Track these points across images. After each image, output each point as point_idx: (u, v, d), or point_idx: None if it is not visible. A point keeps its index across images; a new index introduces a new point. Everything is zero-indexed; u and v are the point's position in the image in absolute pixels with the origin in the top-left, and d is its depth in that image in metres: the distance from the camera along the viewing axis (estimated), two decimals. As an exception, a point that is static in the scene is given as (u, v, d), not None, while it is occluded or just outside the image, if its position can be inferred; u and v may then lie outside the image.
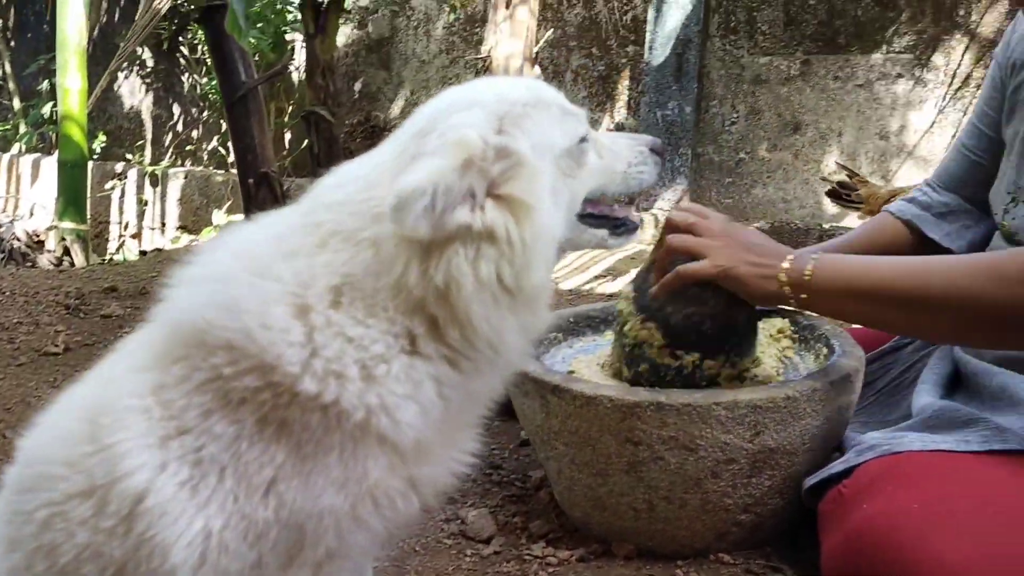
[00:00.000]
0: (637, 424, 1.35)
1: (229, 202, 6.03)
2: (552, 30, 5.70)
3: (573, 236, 1.07)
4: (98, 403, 0.94)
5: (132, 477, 0.88)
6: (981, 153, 1.60)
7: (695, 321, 1.42)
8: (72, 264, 5.11)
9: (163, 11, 5.58)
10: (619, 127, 5.71)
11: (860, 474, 1.18)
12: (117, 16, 7.63)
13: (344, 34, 6.53)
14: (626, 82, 5.69)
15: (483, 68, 2.81)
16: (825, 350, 1.56)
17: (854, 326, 1.71)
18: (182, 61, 7.27)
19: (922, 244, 1.64)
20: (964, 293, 1.14)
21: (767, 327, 1.66)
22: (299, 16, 3.08)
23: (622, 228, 1.15)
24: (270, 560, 0.91)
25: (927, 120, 4.78)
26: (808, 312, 1.57)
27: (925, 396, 1.43)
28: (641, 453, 1.37)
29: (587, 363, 1.62)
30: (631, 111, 5.67)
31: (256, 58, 5.87)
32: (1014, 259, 1.14)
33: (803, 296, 1.30)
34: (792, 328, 1.66)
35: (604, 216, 1.13)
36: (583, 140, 1.04)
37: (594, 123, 5.62)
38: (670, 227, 1.44)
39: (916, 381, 1.53)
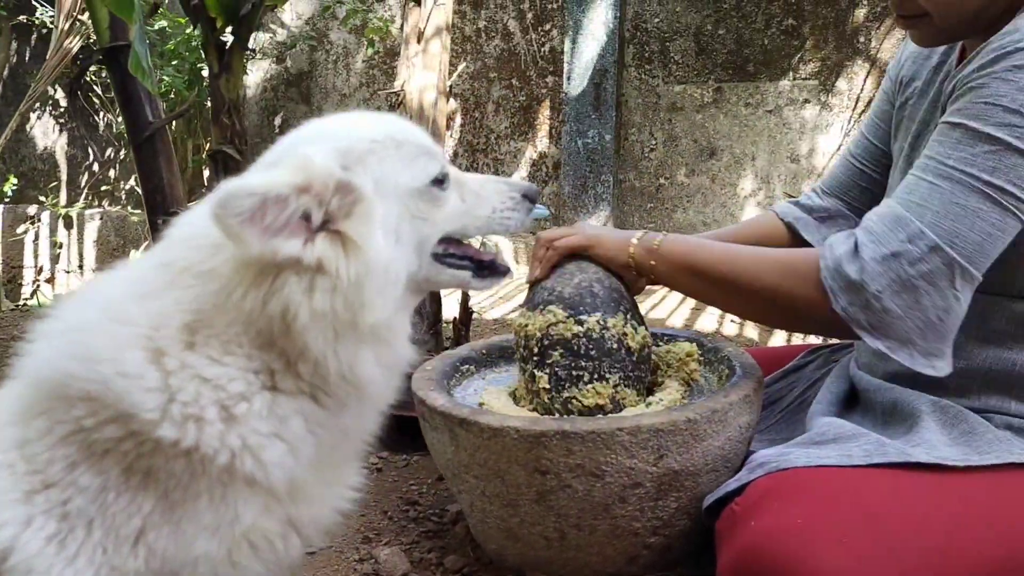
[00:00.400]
0: (544, 453, 1.36)
1: (147, 242, 5.90)
2: (469, 62, 5.76)
3: (430, 276, 1.06)
4: None
5: None
6: (865, 162, 1.66)
7: (584, 286, 1.51)
8: (-18, 311, 4.92)
9: (73, 51, 5.48)
10: (542, 156, 5.78)
11: (751, 491, 1.20)
12: (28, 56, 7.45)
13: (263, 69, 6.49)
14: (547, 112, 5.77)
15: (397, 102, 2.81)
16: (727, 371, 1.60)
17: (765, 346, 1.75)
18: (96, 100, 7.12)
19: (798, 244, 1.70)
20: (765, 284, 1.30)
21: (676, 351, 1.69)
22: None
23: (487, 271, 1.15)
24: None
25: (834, 143, 4.96)
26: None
27: (819, 414, 1.48)
28: (549, 482, 1.38)
29: (497, 394, 1.62)
30: (553, 140, 5.74)
31: (172, 96, 5.79)
32: (806, 259, 1.26)
33: (652, 263, 1.46)
34: (699, 351, 1.70)
35: (468, 258, 1.12)
36: (438, 182, 1.03)
37: (517, 152, 5.68)
38: (541, 242, 1.59)
39: (815, 399, 1.57)
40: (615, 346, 1.49)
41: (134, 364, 0.87)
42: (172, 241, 0.96)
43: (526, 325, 1.53)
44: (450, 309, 3.00)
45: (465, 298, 2.78)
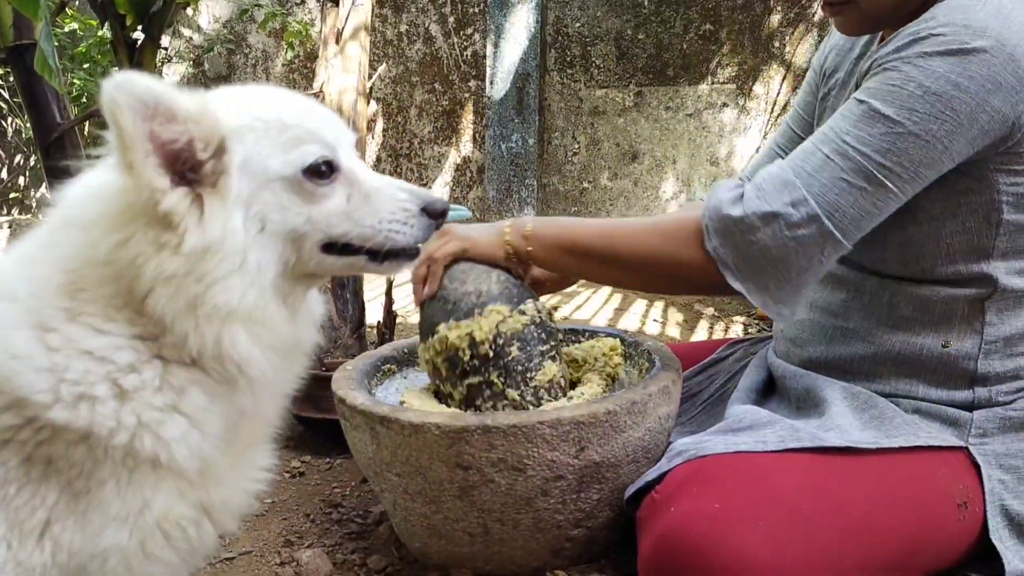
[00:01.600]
0: (466, 448, 1.36)
1: (60, 251, 5.69)
2: (391, 66, 5.73)
3: (318, 265, 0.99)
4: None
5: None
6: (790, 151, 1.70)
7: (500, 280, 1.52)
8: None
9: (-23, 52, 5.26)
10: (466, 160, 5.78)
11: (670, 479, 1.22)
12: (-73, 58, 7.11)
13: (179, 72, 6.33)
14: (470, 116, 5.77)
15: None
16: (647, 364, 1.62)
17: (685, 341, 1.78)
18: (2, 105, 6.84)
19: None
20: (643, 251, 1.35)
21: (600, 345, 1.71)
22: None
23: (387, 256, 1.04)
24: None
25: (753, 145, 5.09)
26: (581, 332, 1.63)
27: (737, 402, 1.51)
28: (472, 477, 1.38)
29: (418, 393, 1.61)
30: (477, 144, 5.75)
31: (84, 100, 5.60)
32: (680, 222, 1.31)
33: (528, 249, 1.49)
34: (621, 346, 1.72)
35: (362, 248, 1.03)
36: (316, 174, 0.95)
37: (441, 157, 5.67)
38: (425, 259, 1.57)
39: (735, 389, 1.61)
40: (552, 325, 1.55)
41: (22, 344, 0.83)
42: (57, 204, 0.92)
43: (469, 333, 1.48)
44: (374, 313, 2.97)
45: (388, 302, 2.76)
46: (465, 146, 5.82)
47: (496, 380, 1.48)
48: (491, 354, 1.48)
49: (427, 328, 1.54)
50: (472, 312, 1.49)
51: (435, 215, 1.04)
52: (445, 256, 1.53)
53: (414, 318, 4.07)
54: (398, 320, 2.89)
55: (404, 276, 4.16)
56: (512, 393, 1.48)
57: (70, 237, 0.87)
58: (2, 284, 0.87)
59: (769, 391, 1.60)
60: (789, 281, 1.23)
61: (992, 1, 1.16)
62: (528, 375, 1.49)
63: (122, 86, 0.79)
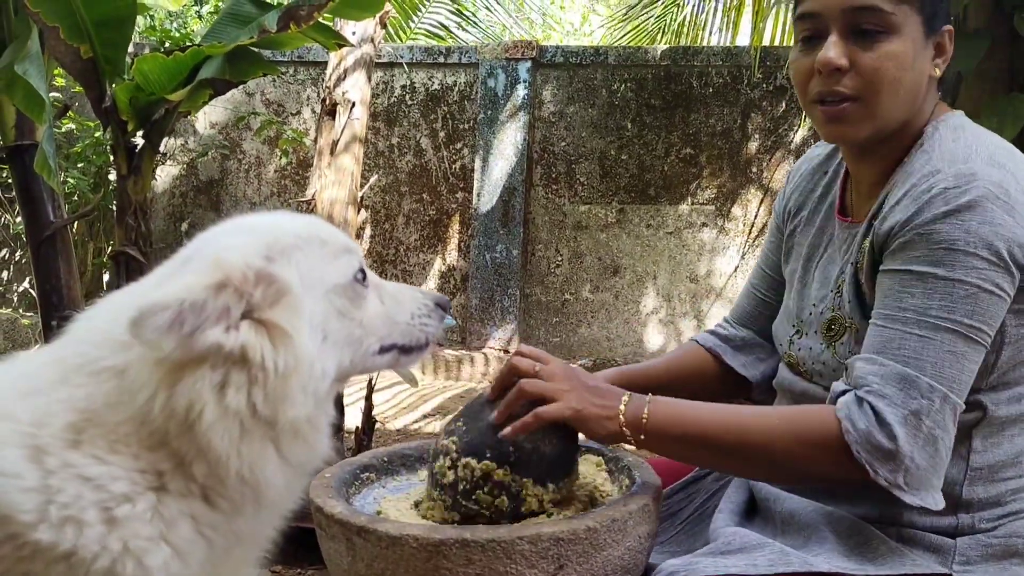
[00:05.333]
0: (443, 563, 1.33)
1: (37, 346, 5.65)
2: (381, 176, 5.86)
3: (363, 368, 1.06)
4: None
5: None
6: (767, 292, 1.75)
7: (540, 453, 1.43)
8: None
9: (-27, 148, 5.35)
10: (451, 268, 5.86)
11: (659, 600, 1.21)
12: (-78, 151, 7.21)
13: (172, 176, 6.44)
14: (457, 226, 5.88)
15: (308, 211, 2.84)
16: (627, 481, 1.61)
17: (657, 456, 1.78)
18: (-7, 199, 6.91)
19: (724, 371, 1.76)
20: (775, 448, 1.29)
21: (591, 459, 1.71)
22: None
23: (406, 348, 1.13)
24: None
25: (731, 264, 5.20)
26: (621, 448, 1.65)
27: (722, 523, 1.50)
28: (448, 593, 1.35)
29: (396, 503, 1.59)
30: (462, 253, 5.84)
31: (76, 198, 5.68)
32: (821, 423, 1.26)
33: (641, 437, 1.38)
34: (604, 463, 1.71)
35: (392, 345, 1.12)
36: (359, 281, 1.03)
37: (426, 264, 5.74)
38: (515, 372, 1.45)
39: (717, 509, 1.60)
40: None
41: (11, 462, 0.83)
42: (68, 339, 0.93)
43: (454, 460, 1.44)
44: (352, 418, 2.96)
45: (368, 407, 2.75)
46: (450, 254, 5.90)
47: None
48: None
49: (466, 444, 1.49)
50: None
51: (445, 308, 1.16)
52: (550, 417, 1.38)
53: (393, 423, 4.04)
54: (376, 426, 2.88)
55: (386, 379, 4.13)
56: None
57: (94, 383, 0.88)
58: (1, 408, 0.87)
59: (751, 512, 1.59)
60: (942, 466, 1.22)
61: (973, 145, 1.23)
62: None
63: (143, 325, 0.81)
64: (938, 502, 1.22)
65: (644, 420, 1.37)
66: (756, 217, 5.16)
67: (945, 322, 1.20)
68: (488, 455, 1.46)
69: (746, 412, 1.38)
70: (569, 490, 1.51)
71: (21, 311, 6.49)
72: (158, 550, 0.87)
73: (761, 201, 5.16)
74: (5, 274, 7.01)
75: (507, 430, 1.44)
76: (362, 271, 1.04)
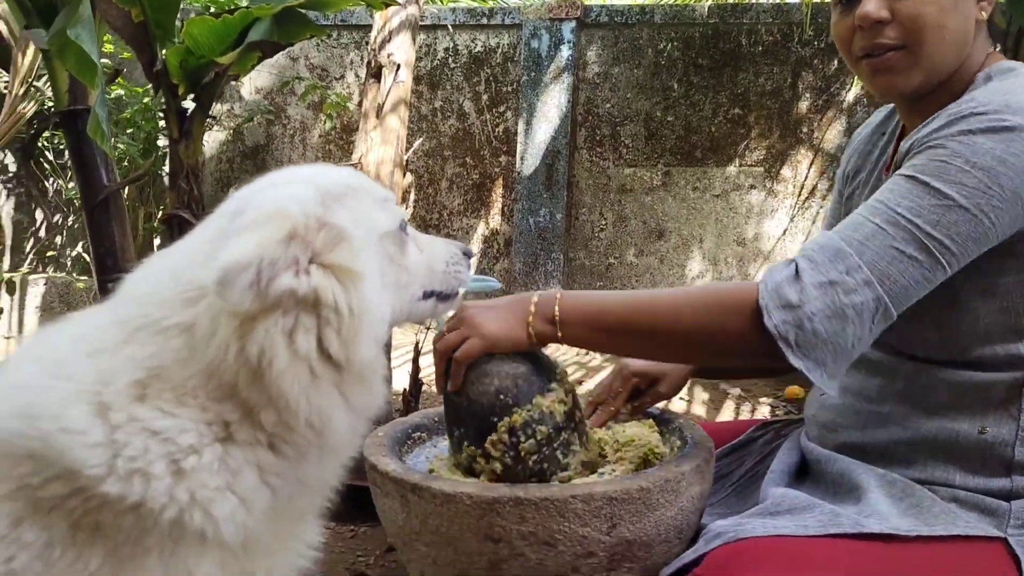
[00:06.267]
0: (497, 520, 1.35)
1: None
2: (424, 140, 5.86)
3: (407, 313, 1.11)
4: None
5: None
6: None
7: (507, 386, 1.45)
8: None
9: (28, 116, 5.45)
10: (494, 233, 5.86)
11: (708, 562, 1.21)
12: (-23, 119, 7.36)
13: (219, 141, 6.51)
14: (500, 190, 5.87)
15: (355, 174, 2.84)
16: (679, 442, 1.61)
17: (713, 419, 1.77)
18: (47, 166, 7.04)
19: None
20: (692, 325, 1.30)
21: (643, 420, 1.71)
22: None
23: (443, 296, 1.21)
24: None
25: (780, 227, 5.12)
26: (662, 406, 1.64)
27: (772, 485, 1.49)
28: (502, 550, 1.36)
29: (447, 462, 1.61)
30: (505, 218, 5.82)
31: (126, 164, 5.76)
32: (733, 297, 1.27)
33: (559, 335, 1.40)
34: (655, 423, 1.71)
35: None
36: (403, 229, 1.08)
37: (470, 229, 5.75)
38: (437, 355, 1.49)
39: (768, 471, 1.59)
40: (577, 405, 1.51)
41: (77, 420, 0.85)
42: (127, 299, 0.94)
43: (461, 458, 1.48)
44: (400, 381, 2.99)
45: (415, 369, 2.77)
46: (494, 219, 5.90)
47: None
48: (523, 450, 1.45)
49: (457, 422, 1.49)
50: (501, 413, 1.44)
51: (469, 256, 1.24)
52: (467, 357, 1.43)
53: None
54: (423, 388, 2.90)
55: (430, 345, 4.18)
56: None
57: (160, 341, 0.89)
58: (63, 368, 0.88)
59: (803, 475, 1.58)
60: (842, 353, 1.21)
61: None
62: (560, 460, 1.48)
63: (230, 286, 0.82)
64: (825, 384, 1.20)
65: (556, 314, 1.39)
66: (806, 179, 5.06)
67: (906, 221, 1.18)
68: (456, 433, 1.47)
69: (658, 293, 1.39)
70: (549, 407, 1.48)
71: (75, 275, 6.64)
72: (225, 500, 0.88)
73: (811, 162, 5.05)
74: (59, 239, 7.17)
75: (448, 386, 1.46)
76: (404, 220, 1.09)
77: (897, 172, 1.26)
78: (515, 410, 1.43)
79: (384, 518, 1.54)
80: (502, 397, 1.44)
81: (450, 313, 1.39)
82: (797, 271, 1.22)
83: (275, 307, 0.87)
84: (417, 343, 2.81)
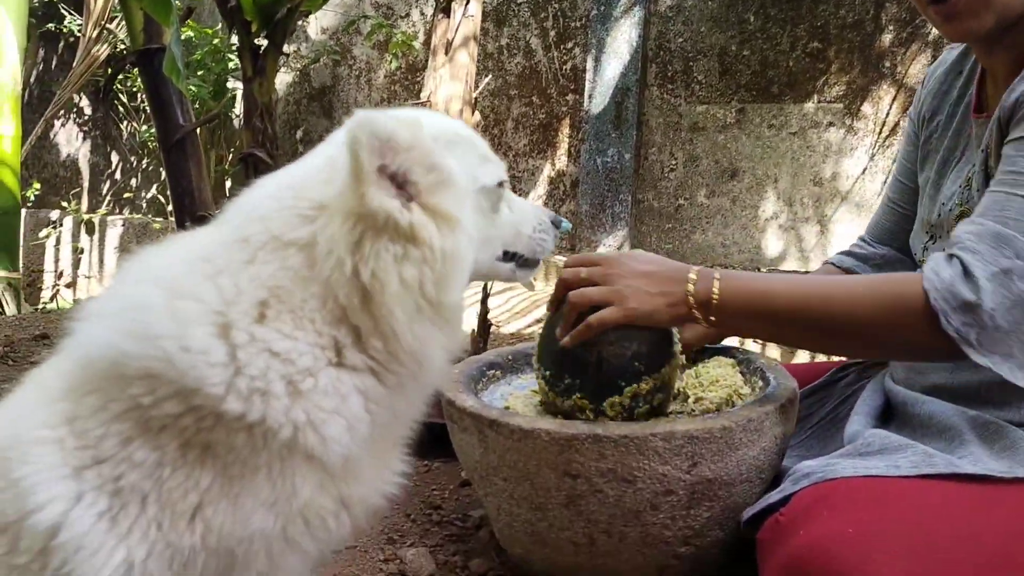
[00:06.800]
0: (575, 457, 1.35)
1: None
2: (490, 79, 5.79)
3: (485, 270, 1.13)
4: (6, 437, 0.90)
5: (44, 511, 0.85)
6: (905, 205, 1.68)
7: (643, 352, 1.41)
8: (3, 313, 4.95)
9: (102, 58, 5.54)
10: (560, 174, 5.79)
11: (796, 502, 1.18)
12: (55, 63, 7.53)
13: (285, 83, 6.53)
14: (567, 130, 5.78)
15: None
16: (760, 383, 1.58)
17: (792, 360, 1.74)
18: (120, 108, 7.18)
19: None
20: (862, 322, 1.23)
21: (724, 360, 1.68)
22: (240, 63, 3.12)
23: (524, 261, 1.21)
24: None
25: (859, 166, 4.94)
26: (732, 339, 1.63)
27: (855, 427, 1.46)
28: (579, 486, 1.36)
29: (523, 399, 1.61)
30: (572, 158, 5.75)
31: (197, 106, 5.83)
32: (900, 295, 1.20)
33: (712, 318, 1.33)
34: (736, 364, 1.68)
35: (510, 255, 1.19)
36: (500, 185, 1.10)
37: (535, 170, 5.69)
38: (563, 286, 1.43)
39: (850, 414, 1.56)
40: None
41: (199, 340, 0.86)
42: (247, 218, 0.95)
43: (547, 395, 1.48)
44: (468, 322, 2.99)
45: (484, 311, 2.78)
46: (560, 160, 5.83)
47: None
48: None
49: (574, 371, 1.44)
50: (631, 380, 1.41)
51: (557, 226, 1.23)
52: (602, 327, 1.36)
53: (506, 327, 4.09)
54: (492, 330, 2.90)
55: (500, 285, 4.18)
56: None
57: (280, 259, 0.91)
58: (184, 288, 0.90)
59: (888, 417, 1.54)
60: None
61: None
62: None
63: (364, 125, 0.86)
64: (1015, 376, 1.14)
65: (714, 301, 1.31)
66: (888, 115, 4.85)
67: None
68: (567, 380, 1.44)
69: (828, 281, 1.31)
70: (669, 375, 1.46)
71: (151, 216, 6.81)
72: (335, 422, 0.91)
73: (894, 98, 4.84)
74: (133, 181, 7.34)
75: (565, 339, 1.41)
76: (504, 178, 1.10)
77: (1014, 138, 1.21)
78: (644, 378, 1.41)
79: (461, 453, 1.56)
80: (636, 364, 1.41)
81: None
82: (964, 266, 1.16)
83: (383, 231, 0.89)
84: (485, 286, 2.81)
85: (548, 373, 1.46)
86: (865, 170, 4.92)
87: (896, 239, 1.71)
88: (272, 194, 0.97)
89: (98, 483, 0.86)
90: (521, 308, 4.43)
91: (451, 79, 2.90)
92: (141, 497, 0.86)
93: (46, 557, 0.85)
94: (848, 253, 1.79)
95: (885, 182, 4.86)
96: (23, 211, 5.67)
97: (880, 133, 4.88)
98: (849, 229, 4.92)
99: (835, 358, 3.35)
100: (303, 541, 0.92)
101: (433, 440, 1.70)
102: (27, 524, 0.85)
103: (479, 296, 2.82)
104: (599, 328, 1.36)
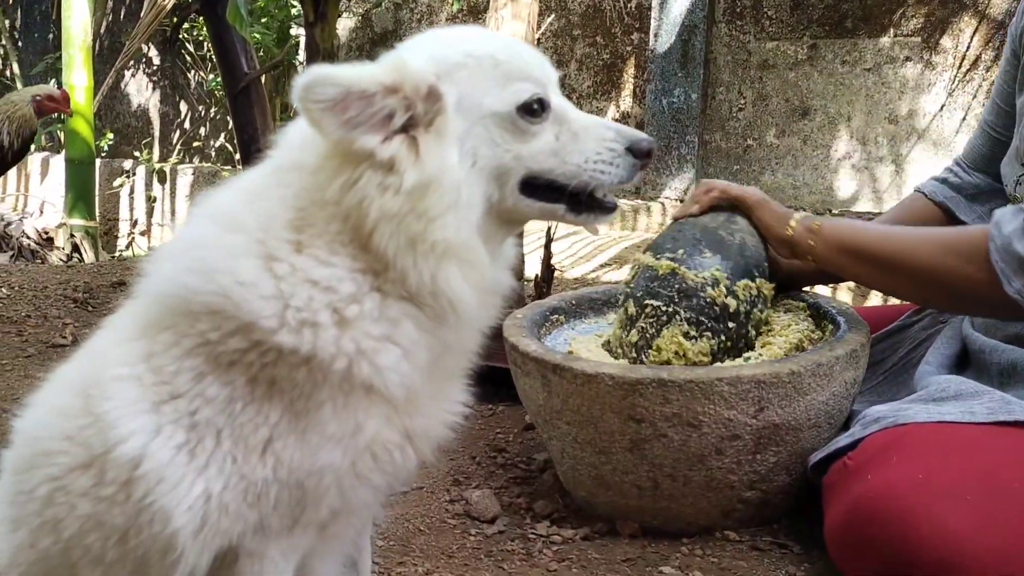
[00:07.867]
0: (639, 401, 1.34)
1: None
2: (553, 20, 5.68)
3: (516, 207, 0.98)
4: (88, 376, 0.94)
5: (126, 443, 0.88)
6: (1002, 130, 1.59)
7: (740, 241, 1.52)
8: (81, 260, 5.13)
9: (168, 7, 5.60)
10: (625, 116, 5.69)
11: (865, 446, 1.17)
12: (123, 14, 7.65)
13: (348, 28, 6.52)
14: (631, 70, 5.66)
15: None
16: (831, 327, 1.54)
17: (866, 302, 1.70)
18: (188, 58, 7.28)
19: (955, 224, 1.63)
20: (925, 265, 1.28)
21: (794, 304, 1.64)
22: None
23: (585, 207, 1.02)
24: (273, 522, 0.91)
25: (937, 103, 4.74)
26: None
27: (929, 374, 1.43)
28: (644, 431, 1.36)
29: (586, 343, 1.60)
30: (637, 99, 5.64)
31: (261, 53, 5.87)
32: (971, 237, 1.23)
33: (811, 242, 1.43)
34: (806, 307, 1.64)
35: (560, 191, 1.00)
36: (529, 111, 0.95)
37: (600, 112, 5.60)
38: (706, 187, 1.63)
39: (923, 360, 1.52)
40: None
41: (249, 272, 0.87)
42: (281, 146, 0.96)
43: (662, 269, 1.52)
44: (532, 267, 2.99)
45: (547, 255, 2.77)
46: (625, 101, 5.72)
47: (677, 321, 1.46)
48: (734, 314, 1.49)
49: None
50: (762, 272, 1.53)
51: (641, 155, 1.00)
52: (730, 192, 1.56)
53: (570, 272, 4.07)
54: (555, 274, 2.90)
55: (564, 229, 4.15)
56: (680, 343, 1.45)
57: (298, 178, 0.91)
58: (231, 217, 0.91)
59: (963, 365, 1.49)
60: None
61: None
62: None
63: (309, 91, 0.83)
64: None
65: (817, 226, 1.43)
66: (968, 49, 4.62)
67: None
68: (706, 255, 1.50)
69: (905, 229, 1.39)
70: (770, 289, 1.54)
71: (220, 165, 6.93)
72: (388, 350, 0.90)
73: (975, 30, 4.60)
74: (202, 130, 7.47)
75: (695, 207, 1.59)
76: (538, 102, 0.96)
77: None
78: (769, 283, 1.55)
79: (524, 397, 1.57)
80: (766, 266, 1.56)
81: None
82: None
83: (363, 159, 0.87)
84: (549, 229, 2.79)
85: (681, 252, 1.51)
86: (943, 107, 4.71)
87: (992, 165, 1.63)
88: (304, 125, 0.95)
89: (175, 417, 0.89)
90: (585, 253, 4.40)
91: (513, 19, 2.84)
92: (216, 431, 0.88)
93: (130, 488, 0.88)
94: (941, 180, 1.70)
95: (964, 119, 4.65)
96: (98, 161, 5.82)
97: (960, 68, 4.66)
98: (926, 169, 4.73)
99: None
100: (372, 476, 0.93)
101: (496, 384, 1.71)
102: (111, 456, 0.89)
103: (542, 240, 2.81)
104: (726, 194, 1.57)
